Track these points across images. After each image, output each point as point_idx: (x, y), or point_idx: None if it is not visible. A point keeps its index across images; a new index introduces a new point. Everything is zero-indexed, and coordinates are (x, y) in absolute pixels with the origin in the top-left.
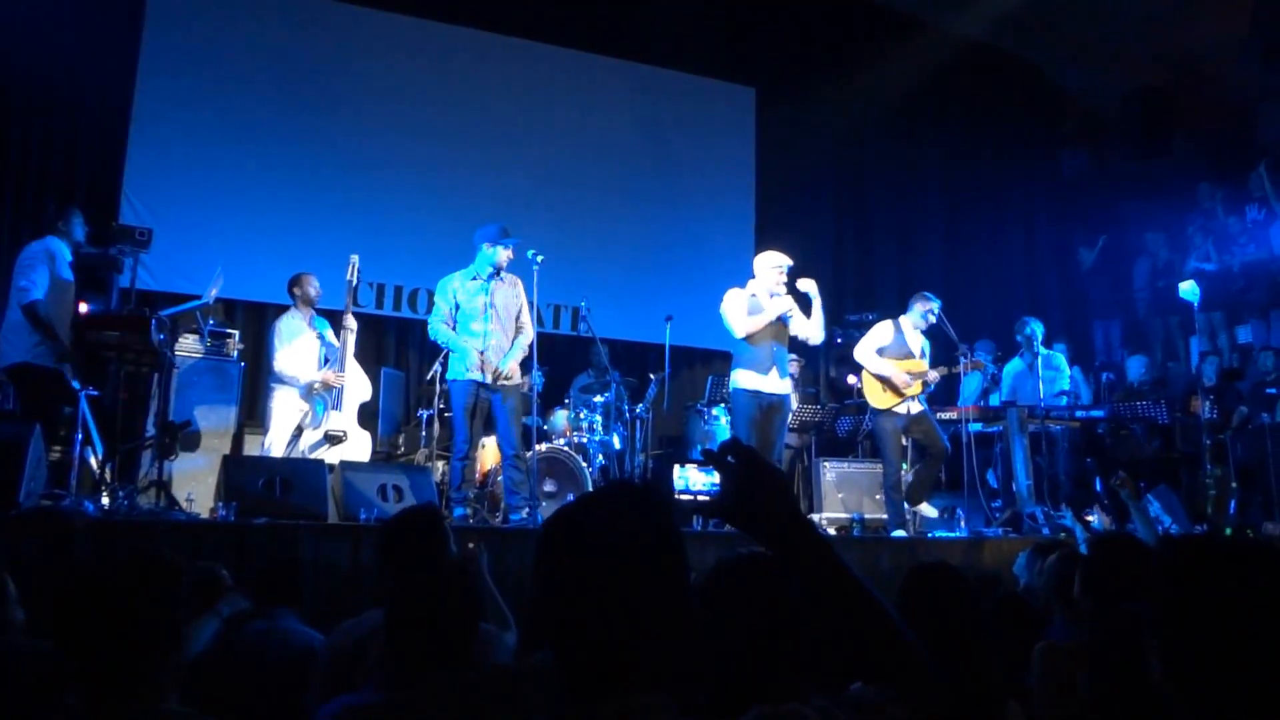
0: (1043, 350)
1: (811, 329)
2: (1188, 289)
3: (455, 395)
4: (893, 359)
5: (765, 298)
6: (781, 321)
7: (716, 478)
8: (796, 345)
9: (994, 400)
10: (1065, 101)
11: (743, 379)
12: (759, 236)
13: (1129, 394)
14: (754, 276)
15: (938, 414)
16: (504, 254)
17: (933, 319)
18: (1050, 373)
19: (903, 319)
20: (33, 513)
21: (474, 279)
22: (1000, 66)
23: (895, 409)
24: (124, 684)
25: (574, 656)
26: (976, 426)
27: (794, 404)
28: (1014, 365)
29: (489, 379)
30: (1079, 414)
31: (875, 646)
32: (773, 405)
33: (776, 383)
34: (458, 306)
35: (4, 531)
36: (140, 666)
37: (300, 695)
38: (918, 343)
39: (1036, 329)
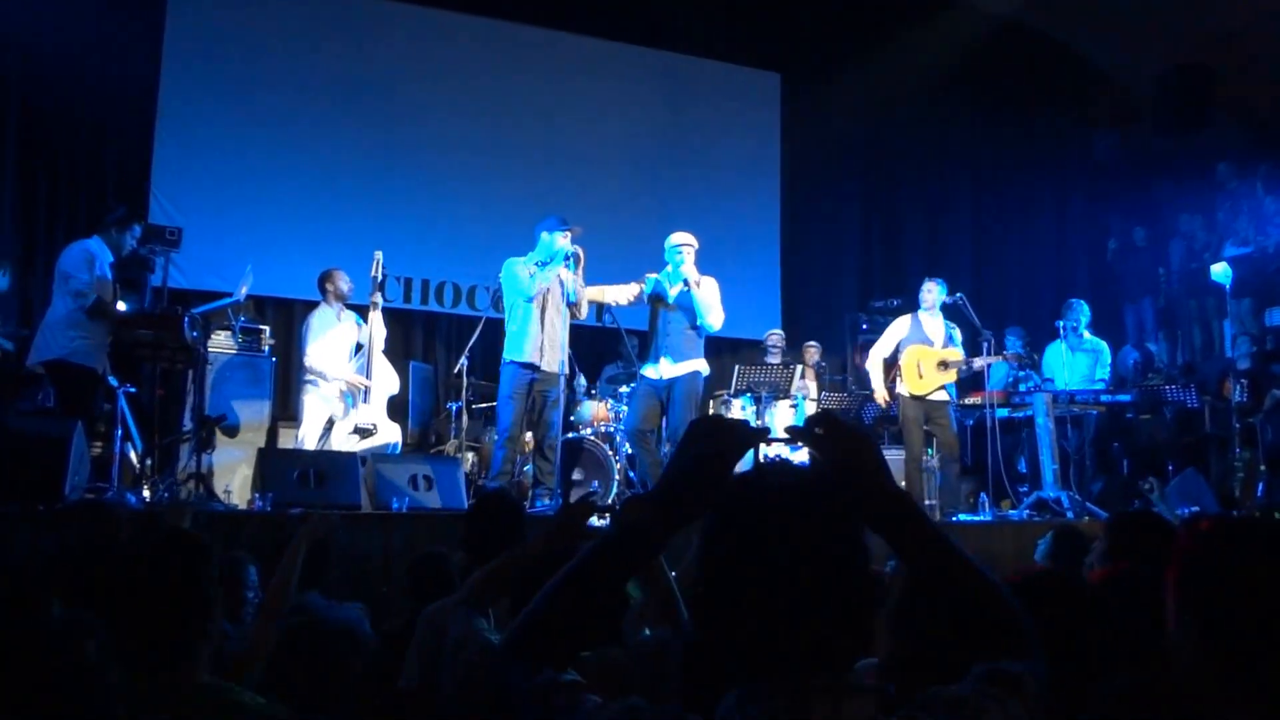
0: (1088, 335)
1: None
2: (1220, 271)
3: (508, 377)
4: (915, 347)
5: (665, 279)
6: (677, 303)
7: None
8: (813, 333)
9: (1024, 386)
10: (1098, 81)
11: (643, 368)
12: (785, 224)
13: (1158, 378)
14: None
15: (965, 398)
16: (561, 240)
17: (930, 299)
18: (1089, 357)
19: (919, 311)
20: (78, 505)
21: (535, 265)
22: (1030, 45)
23: (929, 396)
24: (163, 658)
25: (754, 631)
26: (1004, 412)
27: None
28: (1056, 348)
29: (544, 365)
30: (1105, 398)
31: (981, 613)
32: (663, 388)
33: (668, 368)
34: (524, 287)
35: (51, 524)
36: (178, 641)
37: None
38: (938, 330)
39: (1083, 312)
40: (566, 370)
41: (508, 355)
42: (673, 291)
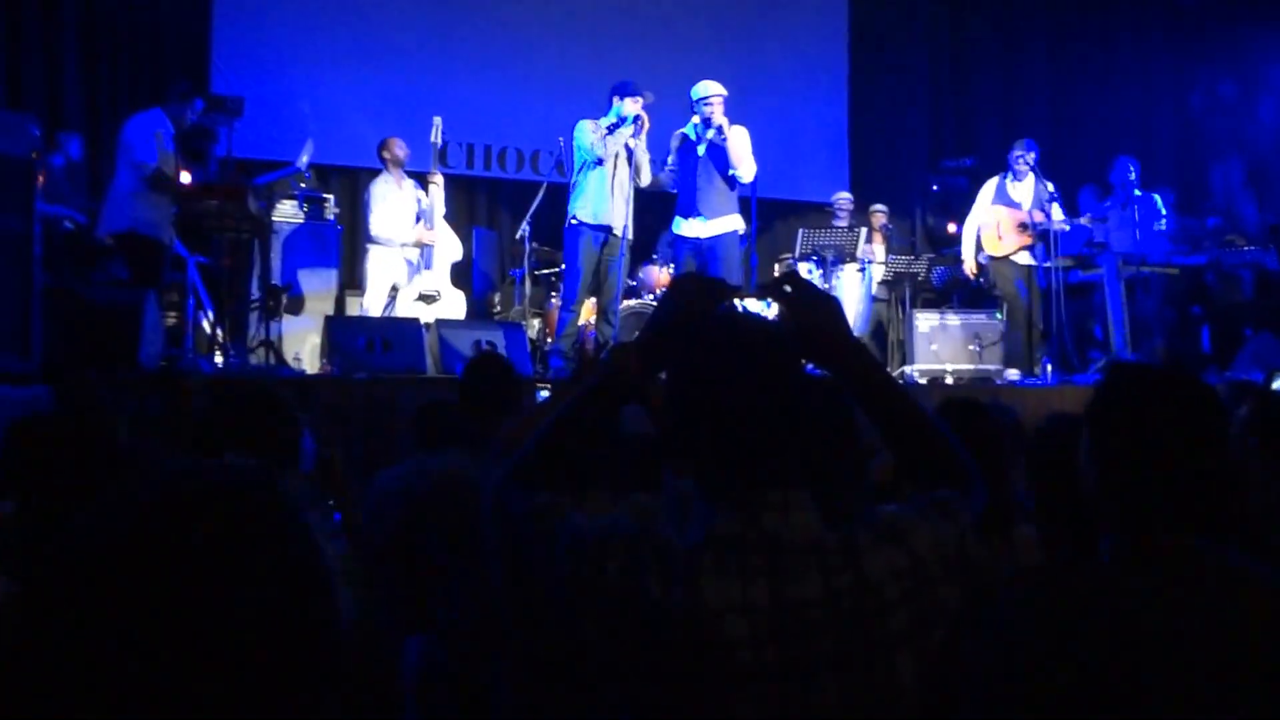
0: (1139, 193)
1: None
2: None
3: (578, 240)
4: (997, 208)
5: (692, 132)
6: (714, 153)
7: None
8: (882, 195)
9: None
10: None
11: (678, 225)
12: (853, 82)
13: (1234, 240)
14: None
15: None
16: (631, 106)
17: (1024, 165)
18: (1144, 211)
19: (1006, 175)
20: (154, 372)
21: (605, 128)
22: None
23: (1010, 257)
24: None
25: (712, 457)
26: (1076, 274)
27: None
28: (1107, 204)
29: (615, 227)
30: (1177, 260)
31: (925, 452)
32: (701, 249)
33: (699, 226)
34: (591, 148)
35: (130, 389)
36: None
37: None
38: (1025, 193)
39: (1131, 167)
40: (630, 235)
41: (579, 216)
42: (700, 144)
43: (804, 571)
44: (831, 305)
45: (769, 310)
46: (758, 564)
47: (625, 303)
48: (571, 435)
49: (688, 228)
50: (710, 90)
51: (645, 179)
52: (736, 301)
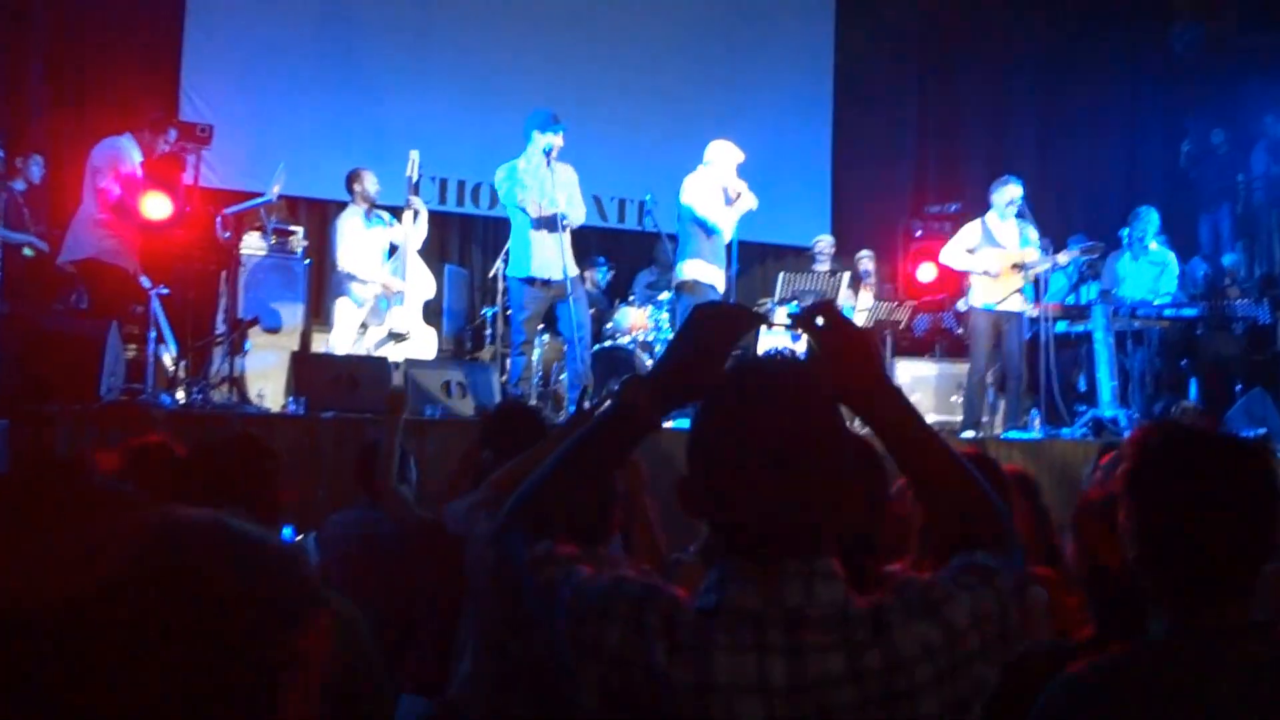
0: (1154, 246)
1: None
2: None
3: (515, 295)
4: (987, 250)
5: (734, 189)
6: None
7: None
8: (864, 240)
9: (1086, 297)
10: None
11: (698, 270)
12: (837, 124)
13: (1226, 292)
14: (709, 163)
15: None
16: (556, 140)
17: (1003, 199)
18: (1155, 269)
19: (989, 214)
20: (114, 406)
21: (529, 167)
22: None
23: (1001, 305)
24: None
25: (734, 521)
26: (1063, 325)
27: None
28: (1119, 259)
29: (550, 275)
30: (1169, 313)
31: (962, 509)
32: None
33: (718, 275)
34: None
35: (89, 423)
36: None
37: None
38: (1011, 234)
39: (1151, 221)
40: (575, 272)
41: (510, 271)
42: (747, 204)
43: (827, 648)
44: (868, 342)
45: (798, 344)
46: (775, 639)
47: (603, 345)
48: (576, 479)
49: (711, 274)
50: (738, 157)
51: (570, 215)
52: (763, 329)
